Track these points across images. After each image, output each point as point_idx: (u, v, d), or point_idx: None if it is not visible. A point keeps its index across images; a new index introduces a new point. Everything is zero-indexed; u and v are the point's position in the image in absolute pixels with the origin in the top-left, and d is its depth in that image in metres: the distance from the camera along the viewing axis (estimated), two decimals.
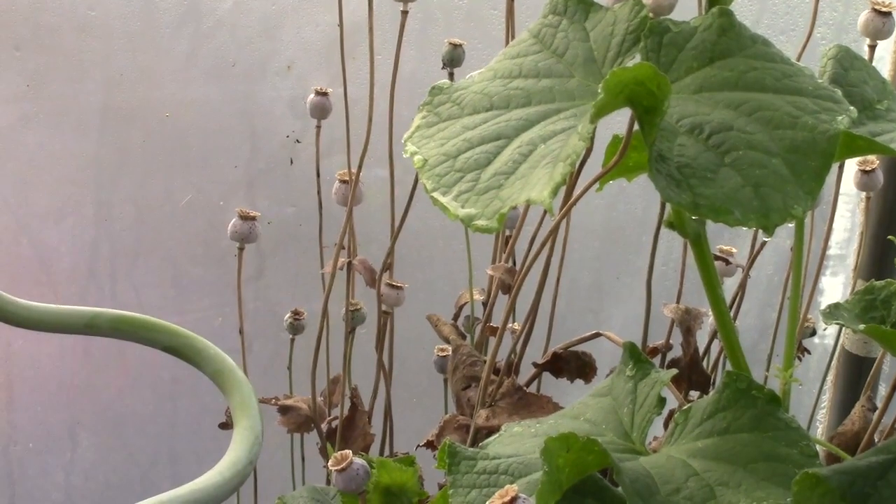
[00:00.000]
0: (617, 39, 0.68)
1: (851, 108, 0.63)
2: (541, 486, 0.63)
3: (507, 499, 0.55)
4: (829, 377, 1.64)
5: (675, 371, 0.78)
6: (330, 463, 0.92)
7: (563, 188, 1.16)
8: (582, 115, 0.62)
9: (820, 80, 0.65)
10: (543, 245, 1.05)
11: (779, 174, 0.59)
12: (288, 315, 1.42)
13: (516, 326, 1.25)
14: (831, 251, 1.78)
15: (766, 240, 1.29)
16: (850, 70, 0.79)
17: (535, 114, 0.64)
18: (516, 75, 0.69)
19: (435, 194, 0.61)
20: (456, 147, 0.64)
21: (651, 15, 0.69)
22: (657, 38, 0.67)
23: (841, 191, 1.63)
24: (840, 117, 0.61)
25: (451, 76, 1.25)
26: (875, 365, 1.29)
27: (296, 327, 1.42)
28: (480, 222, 0.59)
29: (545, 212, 1.21)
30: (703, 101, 0.64)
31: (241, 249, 1.30)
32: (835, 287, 1.80)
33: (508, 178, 0.60)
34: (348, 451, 0.84)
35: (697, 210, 0.59)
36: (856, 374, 1.60)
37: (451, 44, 1.24)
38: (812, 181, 0.59)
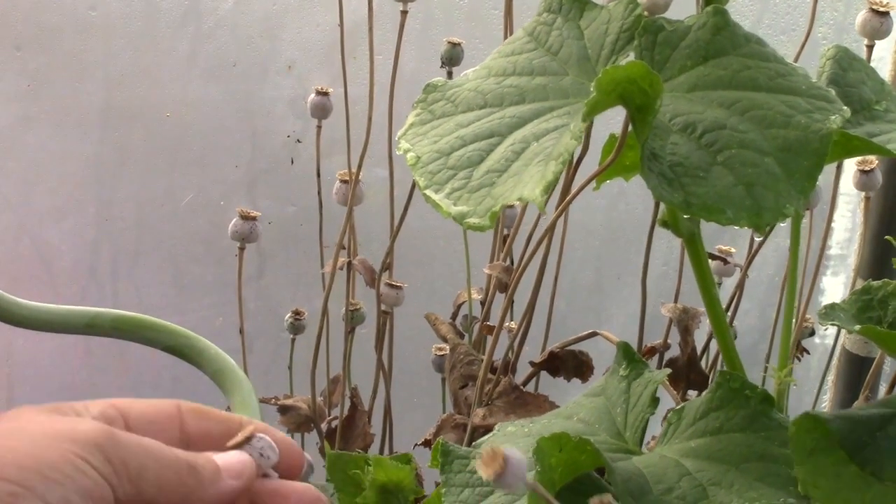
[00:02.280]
0: (611, 38, 0.68)
1: (845, 107, 0.62)
2: None
3: (498, 464, 0.51)
4: (830, 377, 1.64)
5: (668, 371, 0.78)
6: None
7: (561, 187, 1.17)
8: (575, 113, 0.62)
9: (814, 80, 0.65)
10: (540, 243, 1.05)
11: (771, 173, 0.59)
12: (288, 315, 1.42)
13: (513, 325, 1.25)
14: (832, 251, 1.77)
15: (758, 238, 1.28)
16: (848, 70, 0.79)
17: (529, 112, 0.64)
18: (510, 73, 0.69)
19: (427, 192, 0.61)
20: (449, 144, 0.63)
21: (646, 13, 0.69)
22: (651, 36, 0.67)
23: (842, 191, 1.63)
24: (833, 117, 0.61)
25: (449, 75, 1.25)
26: (874, 365, 1.29)
27: (296, 327, 1.42)
28: (472, 220, 0.58)
29: None
30: (696, 100, 0.63)
31: (241, 249, 1.30)
32: (835, 287, 1.80)
33: (501, 175, 0.59)
34: None
35: (689, 209, 0.59)
36: (856, 374, 1.59)
37: (449, 42, 1.24)
38: (804, 180, 0.59)
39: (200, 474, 0.55)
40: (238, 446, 0.58)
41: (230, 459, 0.57)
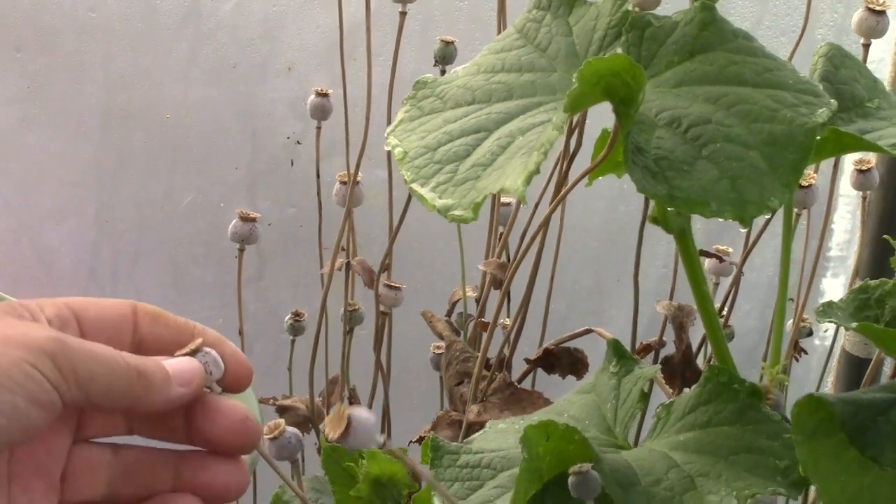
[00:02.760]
0: (599, 34, 0.68)
1: (832, 101, 0.62)
2: (519, 474, 0.63)
3: (342, 425, 0.53)
4: (829, 379, 1.64)
5: (658, 367, 0.78)
6: (263, 432, 0.91)
7: (555, 183, 1.17)
8: (561, 108, 0.62)
9: (802, 75, 0.65)
10: (534, 238, 1.05)
11: (756, 167, 0.59)
12: (288, 316, 1.42)
13: (508, 322, 1.25)
14: (832, 253, 1.77)
15: (741, 231, 1.28)
16: (840, 68, 0.79)
17: (516, 107, 0.65)
18: (499, 69, 0.69)
19: (414, 185, 0.62)
20: (436, 139, 0.64)
21: (636, 9, 0.69)
22: (638, 32, 0.67)
23: (842, 192, 1.62)
24: (820, 111, 0.61)
25: (442, 73, 1.25)
26: (872, 364, 1.28)
27: (296, 328, 1.42)
28: (457, 212, 0.59)
29: (536, 206, 1.22)
30: (682, 95, 0.64)
31: (241, 251, 1.30)
32: (835, 289, 1.80)
33: (486, 169, 0.60)
34: (281, 420, 0.85)
35: (673, 202, 0.60)
36: (856, 375, 1.59)
37: (442, 41, 1.24)
38: (789, 174, 0.59)
39: (149, 381, 0.57)
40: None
41: (179, 366, 0.59)
